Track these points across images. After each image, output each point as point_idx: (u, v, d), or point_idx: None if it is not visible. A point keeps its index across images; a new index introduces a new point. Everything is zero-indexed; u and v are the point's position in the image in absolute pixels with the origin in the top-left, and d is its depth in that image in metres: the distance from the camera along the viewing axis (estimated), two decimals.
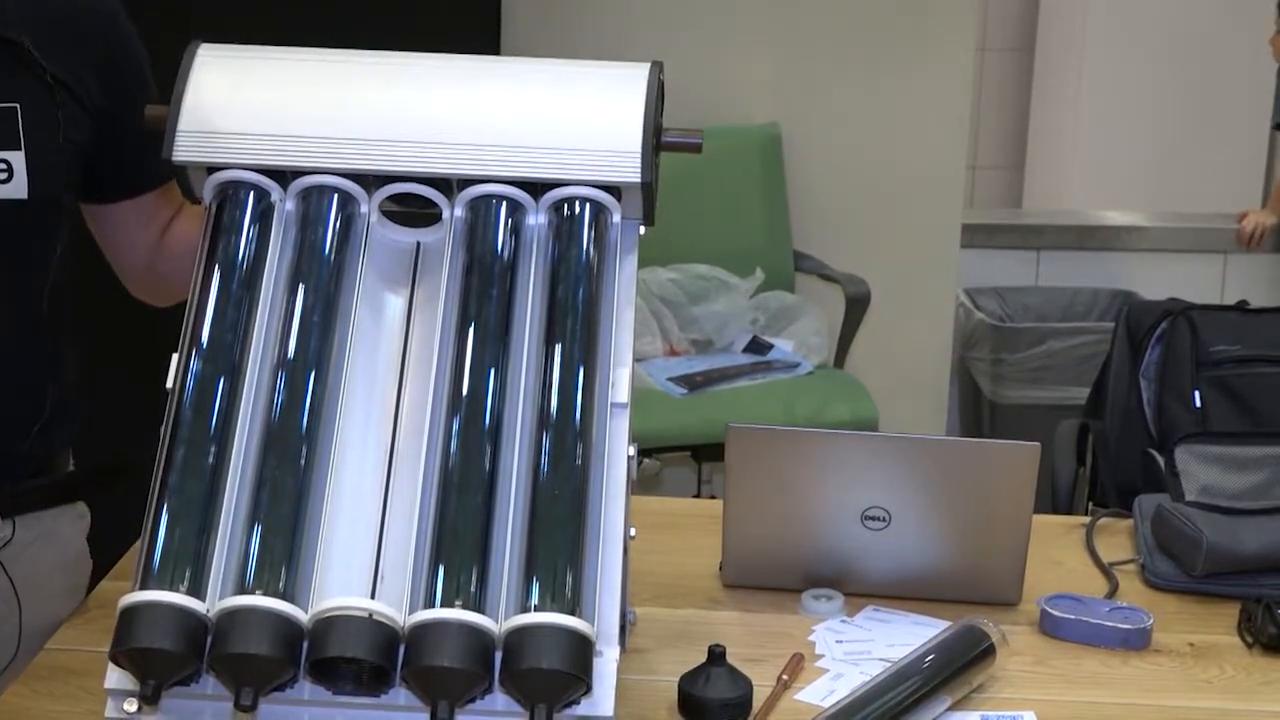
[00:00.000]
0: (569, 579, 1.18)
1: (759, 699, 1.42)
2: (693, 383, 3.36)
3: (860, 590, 1.64)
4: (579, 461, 1.23)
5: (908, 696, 1.37)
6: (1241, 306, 2.52)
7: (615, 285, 1.34)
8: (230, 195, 1.34)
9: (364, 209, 1.36)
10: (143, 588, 1.16)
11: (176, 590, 1.15)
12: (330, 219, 1.34)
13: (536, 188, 1.36)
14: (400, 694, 1.19)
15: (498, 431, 1.24)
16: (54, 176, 1.50)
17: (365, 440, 1.27)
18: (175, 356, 1.27)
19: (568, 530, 1.20)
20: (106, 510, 1.68)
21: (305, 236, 1.33)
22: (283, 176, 1.35)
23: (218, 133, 1.34)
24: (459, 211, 1.36)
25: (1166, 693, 1.49)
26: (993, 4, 5.16)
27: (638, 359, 3.16)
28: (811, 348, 3.51)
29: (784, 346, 3.52)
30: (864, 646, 1.54)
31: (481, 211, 1.35)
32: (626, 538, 1.27)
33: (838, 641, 1.55)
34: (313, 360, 1.27)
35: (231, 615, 1.15)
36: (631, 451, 1.28)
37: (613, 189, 1.35)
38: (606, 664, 1.19)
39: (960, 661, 1.44)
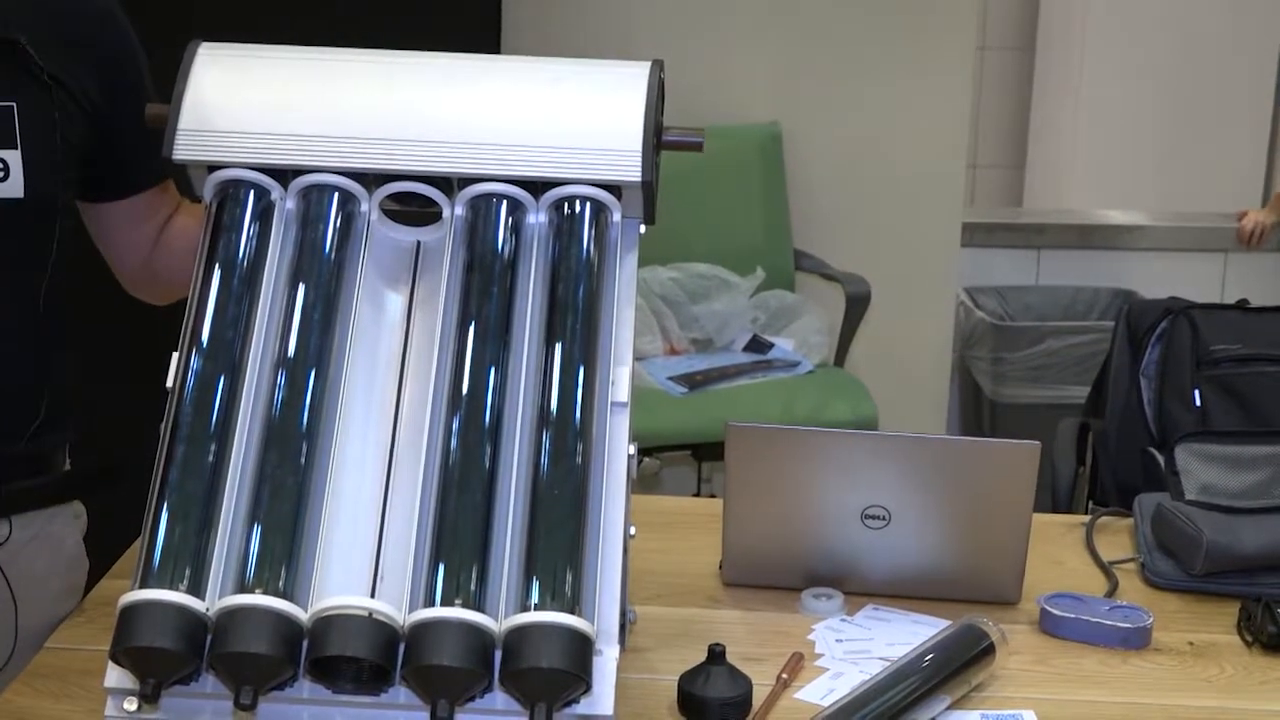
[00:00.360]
0: (569, 578, 1.18)
1: (759, 698, 1.41)
2: (693, 381, 3.36)
3: (860, 589, 1.64)
4: (579, 460, 1.23)
5: (907, 695, 1.37)
6: (1242, 306, 2.52)
7: (615, 284, 1.34)
8: (230, 194, 1.35)
9: (364, 208, 1.37)
10: (142, 586, 1.16)
11: (176, 589, 1.15)
12: (330, 217, 1.34)
13: (537, 186, 1.36)
14: (400, 693, 1.19)
15: (498, 430, 1.24)
16: (51, 175, 1.50)
17: (365, 438, 1.27)
18: (175, 355, 1.27)
19: (568, 529, 1.20)
20: (103, 510, 1.68)
21: (305, 235, 1.34)
22: (283, 175, 1.35)
23: (218, 131, 1.34)
24: (459, 210, 1.36)
25: (1166, 692, 1.49)
26: (993, 3, 5.16)
27: (638, 358, 3.16)
28: (812, 346, 3.51)
29: (784, 345, 3.52)
30: (864, 645, 1.54)
31: (482, 210, 1.35)
32: (626, 536, 1.27)
33: (837, 640, 1.55)
34: (313, 358, 1.27)
35: (231, 614, 1.15)
36: (631, 450, 1.28)
37: (613, 188, 1.35)
38: (606, 663, 1.19)
39: (960, 660, 1.44)
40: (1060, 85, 5.15)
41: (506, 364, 1.28)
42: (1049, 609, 1.59)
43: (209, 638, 1.16)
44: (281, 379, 1.26)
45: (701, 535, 1.75)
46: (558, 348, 1.28)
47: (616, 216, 1.36)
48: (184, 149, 1.34)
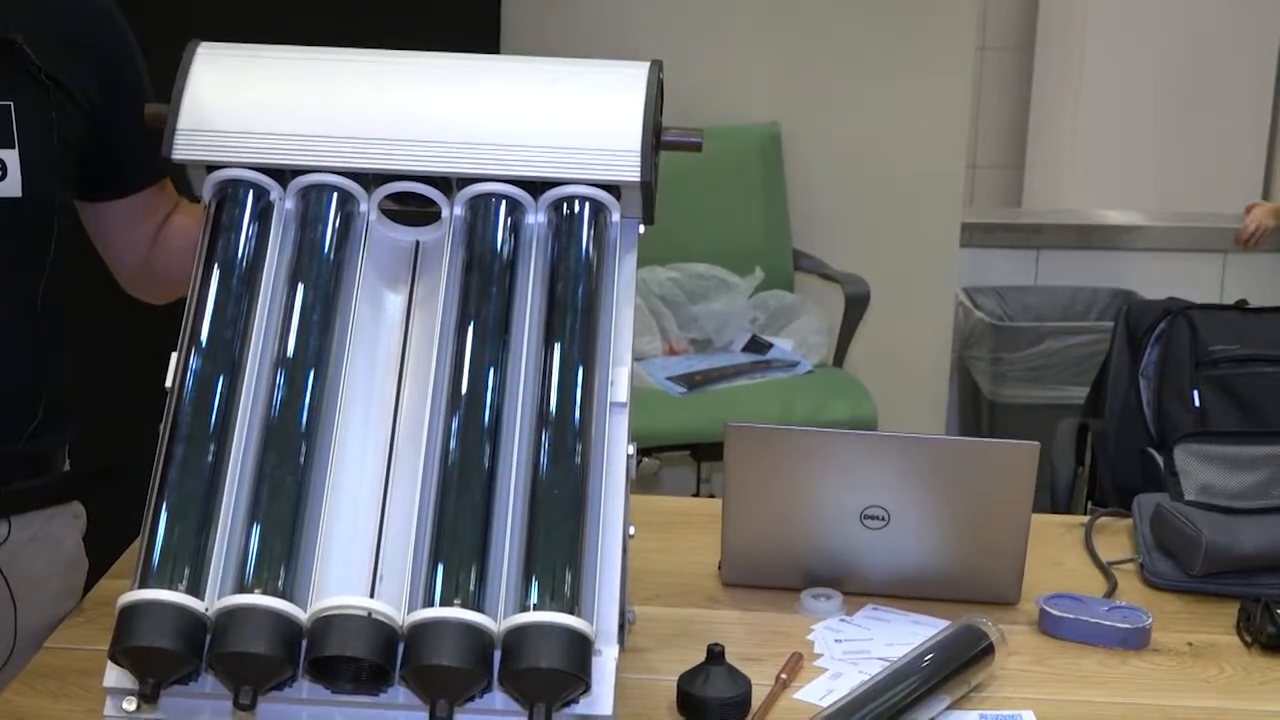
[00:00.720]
0: (568, 578, 1.18)
1: (758, 698, 1.41)
2: (692, 382, 3.36)
3: (859, 589, 1.64)
4: (578, 460, 1.23)
5: (906, 696, 1.37)
6: (1241, 306, 2.52)
7: (615, 284, 1.34)
8: (229, 194, 1.34)
9: (363, 207, 1.36)
10: (142, 586, 1.16)
11: (175, 589, 1.15)
12: (330, 217, 1.34)
13: (536, 186, 1.36)
14: (399, 693, 1.19)
15: (497, 430, 1.24)
16: (49, 175, 1.50)
17: (364, 438, 1.27)
18: (174, 354, 1.27)
19: (567, 529, 1.20)
20: (103, 510, 1.68)
21: (305, 235, 1.34)
22: (282, 175, 1.35)
23: (217, 131, 1.34)
24: (458, 210, 1.36)
25: (1165, 692, 1.49)
26: (992, 3, 5.16)
27: (637, 358, 3.16)
28: (811, 347, 3.51)
29: (783, 345, 3.52)
30: (863, 646, 1.54)
31: (481, 210, 1.35)
32: (626, 537, 1.27)
33: (837, 641, 1.55)
34: (312, 358, 1.27)
35: (230, 614, 1.15)
36: (631, 450, 1.28)
37: (612, 188, 1.35)
38: (605, 663, 1.19)
39: (959, 661, 1.44)
40: (1059, 85, 5.15)
41: (506, 364, 1.28)
42: (1048, 609, 1.59)
43: (208, 637, 1.15)
44: (280, 379, 1.26)
45: (700, 535, 1.75)
46: (557, 348, 1.28)
47: (615, 216, 1.36)
48: (183, 149, 1.34)
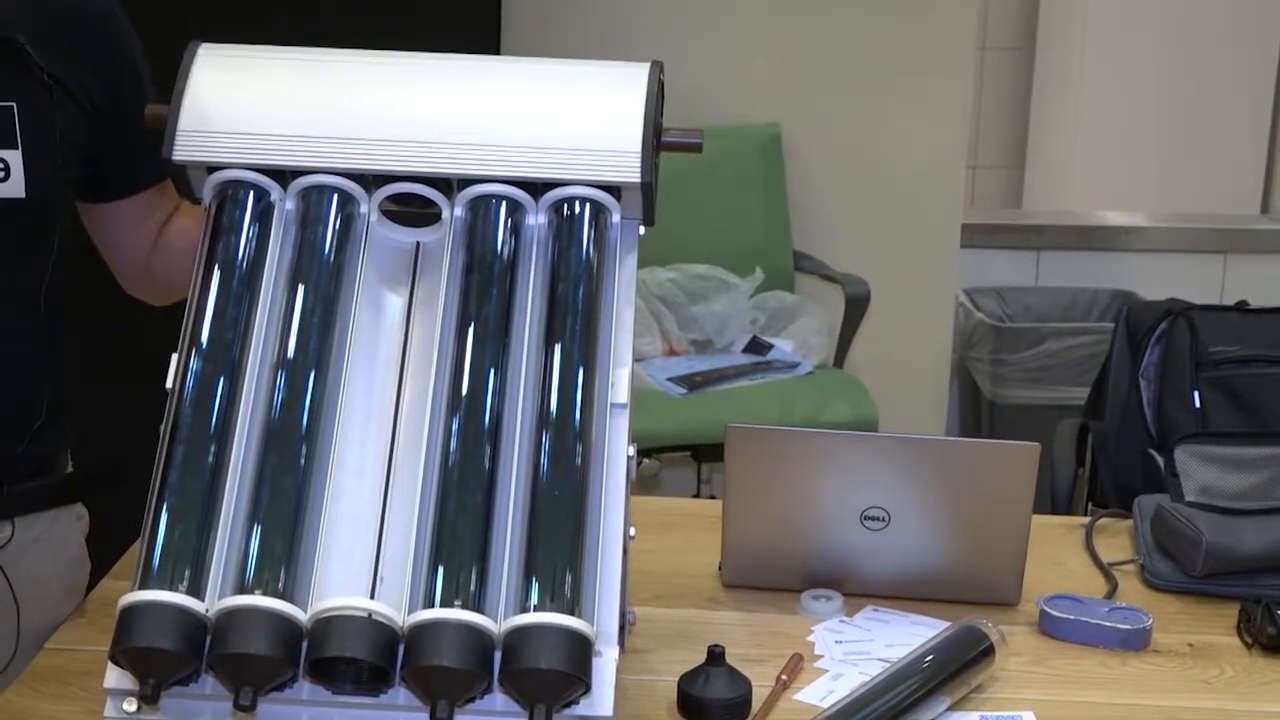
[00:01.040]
0: (568, 579, 1.18)
1: (758, 699, 1.42)
2: (692, 382, 3.36)
3: (859, 590, 1.64)
4: (579, 461, 1.23)
5: (907, 697, 1.37)
6: (1241, 307, 2.52)
7: (615, 285, 1.34)
8: (230, 195, 1.35)
9: (364, 209, 1.37)
10: (142, 587, 1.16)
11: (176, 590, 1.15)
12: (330, 218, 1.34)
13: (536, 187, 1.36)
14: (399, 694, 1.19)
15: (497, 431, 1.24)
16: (51, 175, 1.50)
17: (365, 440, 1.27)
18: (175, 356, 1.27)
19: (567, 530, 1.20)
20: (105, 511, 1.68)
21: (305, 236, 1.34)
22: (282, 176, 1.35)
23: (217, 132, 1.34)
24: (459, 211, 1.36)
25: (1165, 693, 1.49)
26: (993, 3, 5.15)
27: (637, 359, 3.16)
28: (811, 348, 3.51)
29: (784, 346, 3.51)
30: (863, 647, 1.54)
31: (481, 211, 1.35)
32: (626, 538, 1.27)
33: (837, 642, 1.55)
34: (312, 359, 1.27)
35: (231, 615, 1.15)
36: (631, 451, 1.28)
37: (612, 189, 1.35)
38: (606, 664, 1.20)
39: (959, 662, 1.44)
40: (1060, 86, 5.15)
41: (506, 365, 1.28)
42: (1048, 610, 1.59)
43: (208, 638, 1.16)
44: (281, 380, 1.26)
45: (701, 536, 1.75)
46: (557, 349, 1.28)
47: (616, 217, 1.36)
48: (183, 149, 1.34)
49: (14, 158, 1.47)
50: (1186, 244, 4.28)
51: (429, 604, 1.16)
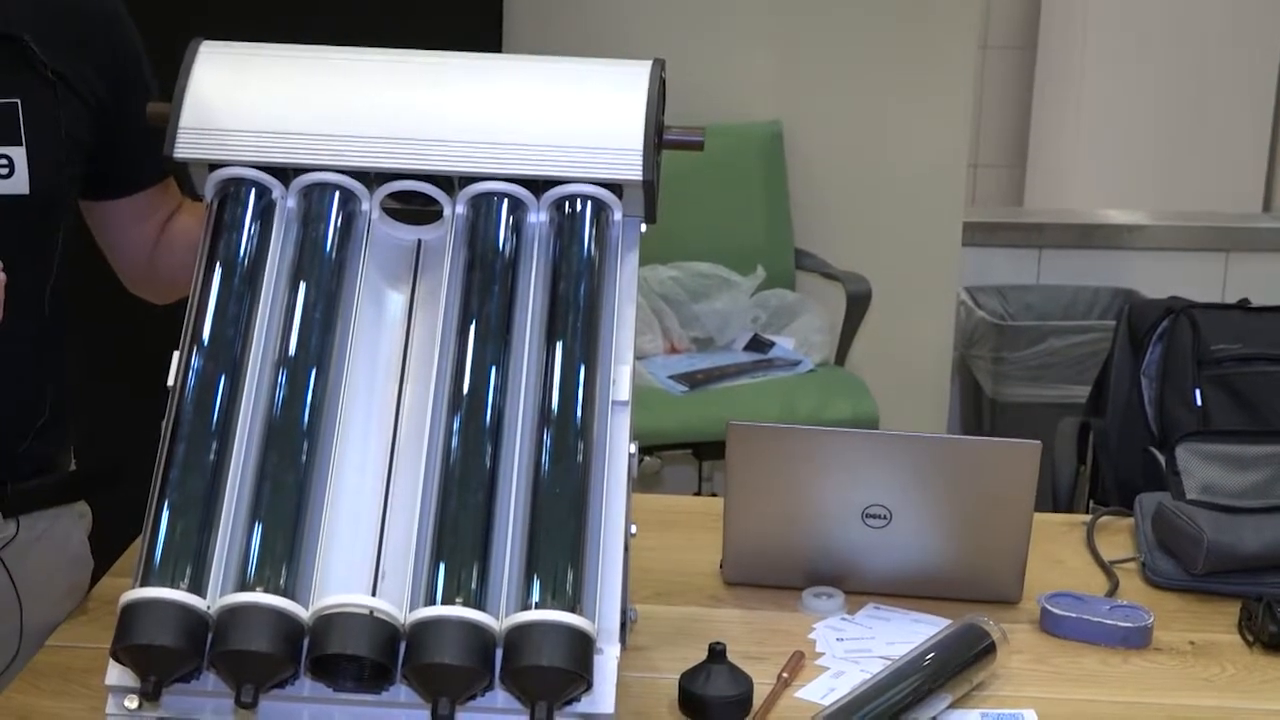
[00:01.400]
0: (570, 576, 1.18)
1: (759, 696, 1.42)
2: (693, 380, 3.36)
3: (861, 588, 1.64)
4: (580, 459, 1.23)
5: (908, 694, 1.37)
6: (1243, 305, 2.52)
7: (616, 283, 1.34)
8: (231, 192, 1.35)
9: (365, 206, 1.37)
10: (144, 584, 1.16)
11: (177, 587, 1.15)
12: (332, 216, 1.34)
13: (538, 185, 1.36)
14: (401, 691, 1.19)
15: (499, 429, 1.24)
16: (55, 172, 1.50)
17: (366, 437, 1.27)
18: (176, 354, 1.27)
19: (568, 528, 1.20)
20: (106, 509, 1.68)
21: (307, 234, 1.34)
22: (284, 174, 1.35)
23: (219, 130, 1.34)
24: (460, 209, 1.36)
25: (1167, 691, 1.49)
26: (994, 2, 5.15)
27: (638, 356, 3.16)
28: (812, 346, 3.51)
29: (785, 344, 3.51)
30: (864, 644, 1.54)
31: (483, 209, 1.35)
32: (627, 535, 1.27)
33: (838, 639, 1.55)
34: (314, 357, 1.27)
35: (232, 612, 1.15)
36: (632, 449, 1.28)
37: (614, 186, 1.35)
38: (607, 661, 1.20)
39: (961, 659, 1.44)
40: (1061, 84, 5.15)
41: (507, 363, 1.28)
42: (1050, 608, 1.59)
43: (210, 636, 1.16)
44: (282, 378, 1.26)
45: (702, 534, 1.75)
46: (559, 346, 1.28)
47: (617, 215, 1.36)
48: (185, 147, 1.34)
49: (18, 154, 1.47)
50: (1188, 242, 4.28)
51: (430, 601, 1.16)
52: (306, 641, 1.16)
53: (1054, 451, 2.63)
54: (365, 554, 1.22)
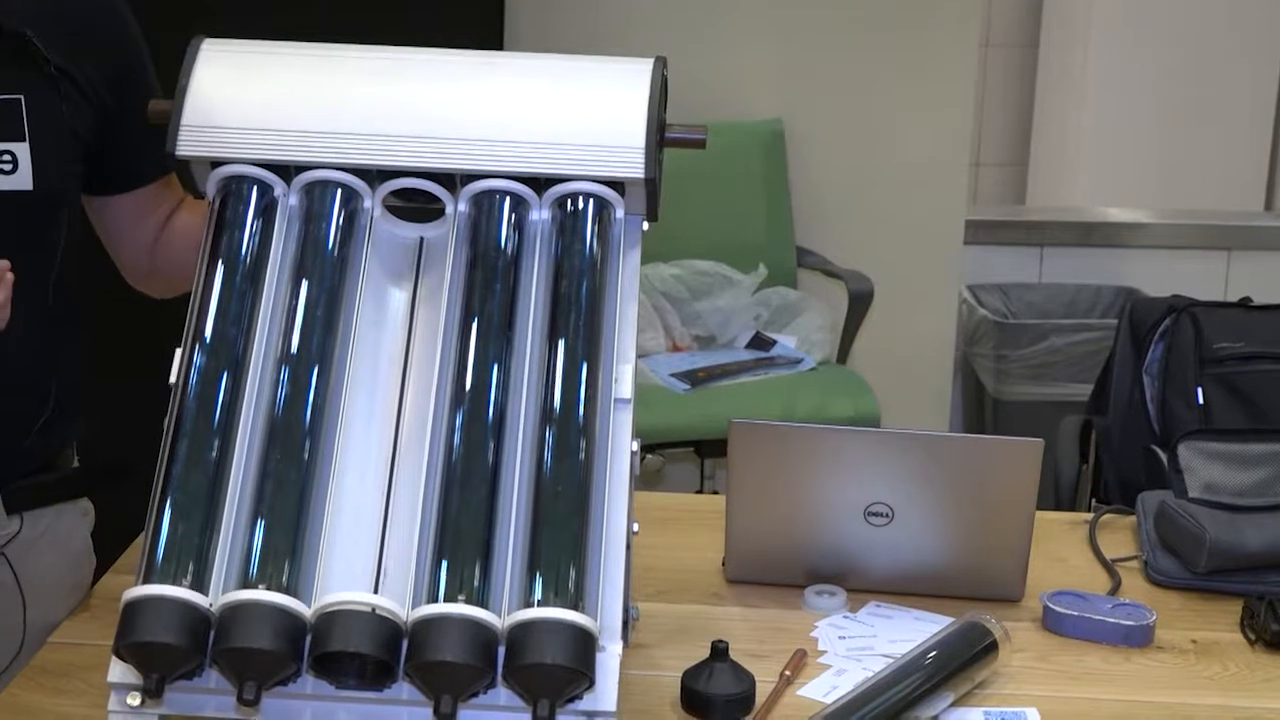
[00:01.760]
0: (572, 574, 1.18)
1: (761, 694, 1.42)
2: (695, 378, 3.36)
3: (863, 586, 1.64)
4: (582, 457, 1.23)
5: (910, 692, 1.37)
6: (1245, 304, 2.52)
7: (619, 280, 1.34)
8: (233, 190, 1.35)
9: (367, 204, 1.37)
10: (146, 581, 1.16)
11: (180, 584, 1.15)
12: (334, 214, 1.34)
13: (540, 183, 1.36)
14: (403, 688, 1.19)
15: (501, 426, 1.24)
16: (58, 168, 1.50)
17: (368, 435, 1.27)
18: (178, 351, 1.27)
19: (570, 525, 1.20)
20: (109, 507, 1.68)
21: (309, 231, 1.34)
22: (286, 171, 1.35)
23: (221, 127, 1.34)
24: (462, 207, 1.36)
25: (1169, 689, 1.49)
26: (996, 0, 5.15)
27: (640, 354, 3.15)
28: (814, 344, 3.51)
29: (786, 342, 3.51)
30: (866, 642, 1.54)
31: (485, 207, 1.35)
32: (629, 533, 1.27)
33: (840, 637, 1.55)
34: (316, 355, 1.27)
35: (234, 609, 1.15)
36: (634, 447, 1.28)
37: (616, 184, 1.35)
38: (609, 659, 1.20)
39: (963, 658, 1.44)
40: (1064, 82, 5.14)
41: (509, 360, 1.28)
42: (1052, 606, 1.59)
43: (212, 633, 1.16)
44: (284, 375, 1.26)
45: (704, 532, 1.75)
46: (561, 344, 1.28)
47: (620, 213, 1.36)
48: (187, 144, 1.34)
49: (22, 150, 1.47)
50: (1190, 241, 4.27)
51: (433, 599, 1.16)
52: (309, 639, 1.16)
53: (1056, 450, 2.63)
54: (367, 551, 1.22)
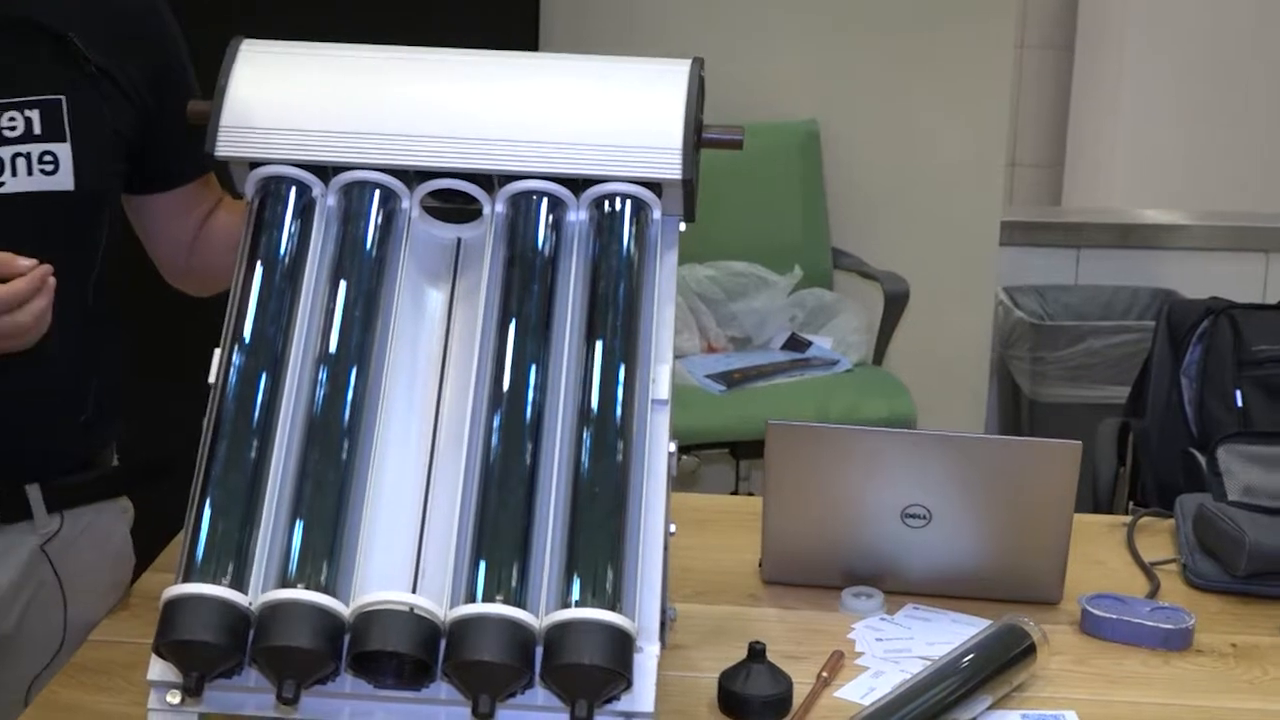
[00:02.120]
0: (609, 575, 1.18)
1: (799, 696, 1.41)
2: (731, 380, 3.36)
3: (900, 588, 1.63)
4: (619, 458, 1.23)
5: (948, 695, 1.37)
6: None
7: (656, 282, 1.34)
8: (272, 190, 1.35)
9: (405, 204, 1.37)
10: (186, 580, 1.16)
11: (219, 583, 1.16)
12: (372, 214, 1.35)
13: (577, 184, 1.36)
14: (441, 688, 1.19)
15: (538, 427, 1.25)
16: (100, 168, 1.51)
17: (406, 435, 1.27)
18: (217, 351, 1.28)
19: (608, 526, 1.20)
20: (148, 505, 1.69)
21: (347, 232, 1.34)
22: (324, 172, 1.36)
23: (260, 128, 1.35)
24: (500, 207, 1.36)
25: (1208, 693, 1.48)
26: (1031, 1, 5.13)
27: (676, 355, 3.15)
28: (850, 345, 3.50)
29: (822, 344, 3.51)
30: (904, 644, 1.54)
31: (522, 207, 1.35)
32: (666, 534, 1.27)
33: (878, 639, 1.55)
34: (354, 355, 1.28)
35: (274, 608, 1.15)
36: (672, 448, 1.28)
37: (653, 185, 1.35)
38: (647, 660, 1.19)
39: (1001, 660, 1.43)
40: (1099, 83, 5.12)
41: (547, 361, 1.28)
42: (1090, 609, 1.58)
43: (251, 632, 1.16)
44: (323, 375, 1.26)
45: (741, 533, 1.74)
46: (598, 345, 1.28)
47: (657, 214, 1.36)
48: (226, 145, 1.34)
49: (63, 150, 1.48)
50: (1227, 242, 4.25)
51: (470, 599, 1.16)
52: (347, 638, 1.16)
53: (1094, 452, 2.63)
54: (406, 551, 1.22)
